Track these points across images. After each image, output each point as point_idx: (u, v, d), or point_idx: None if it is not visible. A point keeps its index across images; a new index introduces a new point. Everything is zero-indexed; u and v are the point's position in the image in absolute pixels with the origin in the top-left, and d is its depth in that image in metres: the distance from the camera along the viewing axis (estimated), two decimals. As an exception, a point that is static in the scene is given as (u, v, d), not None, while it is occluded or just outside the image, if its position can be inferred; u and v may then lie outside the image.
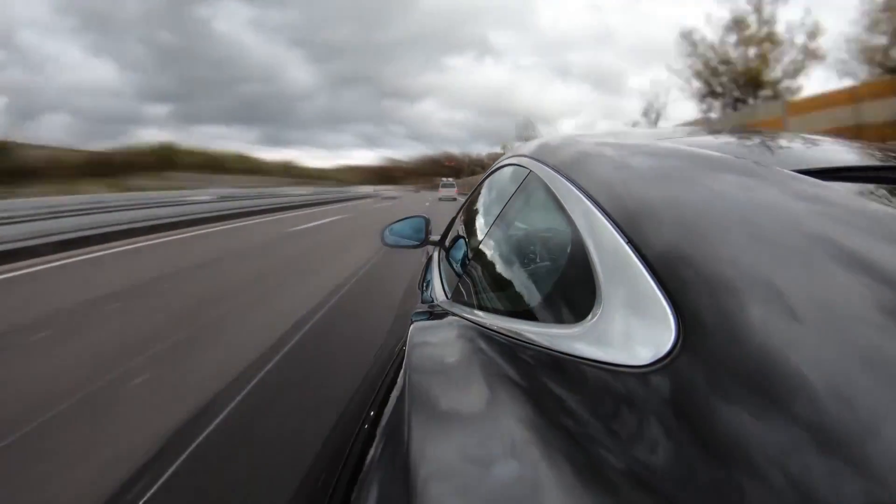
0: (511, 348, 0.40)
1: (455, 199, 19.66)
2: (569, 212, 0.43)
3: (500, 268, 0.69)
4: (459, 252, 0.98)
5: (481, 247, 0.79)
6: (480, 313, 0.56)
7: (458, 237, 1.09)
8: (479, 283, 0.72)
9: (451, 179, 28.31)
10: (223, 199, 15.21)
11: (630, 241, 0.33)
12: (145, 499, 1.16)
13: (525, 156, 0.67)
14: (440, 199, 20.88)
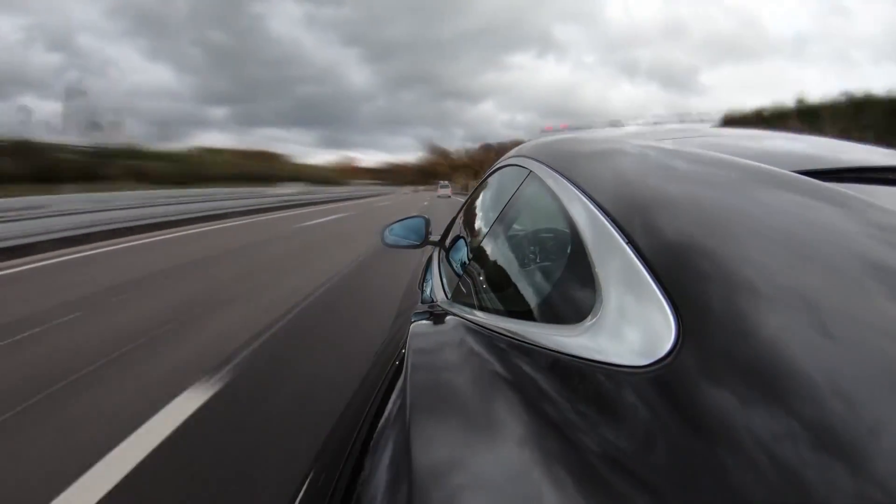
0: (511, 348, 0.40)
1: (450, 197, 26.61)
2: (569, 212, 0.43)
3: (500, 268, 0.69)
4: (459, 252, 0.98)
5: (481, 247, 0.79)
6: (480, 313, 0.56)
7: (458, 237, 1.09)
8: (479, 283, 0.72)
9: (446, 182, 35.45)
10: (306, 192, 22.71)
11: (630, 241, 0.33)
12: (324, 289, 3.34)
13: (525, 156, 0.67)
14: (438, 196, 26.90)
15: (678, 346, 0.25)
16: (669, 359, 0.25)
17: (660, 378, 0.25)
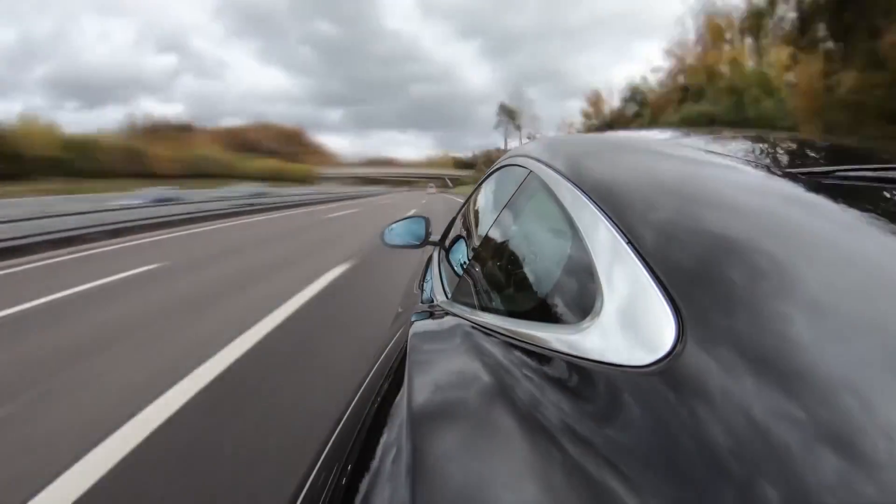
0: (512, 348, 0.40)
1: (434, 193, 33.39)
2: (569, 212, 0.43)
3: (500, 268, 0.69)
4: (459, 252, 0.98)
5: (481, 247, 0.79)
6: (480, 313, 0.56)
7: (458, 237, 1.09)
8: (479, 283, 0.72)
9: (433, 183, 43.25)
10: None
11: (630, 241, 0.33)
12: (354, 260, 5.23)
13: (525, 156, 0.67)
14: (428, 194, 34.86)
15: (679, 345, 0.25)
16: (670, 357, 0.25)
17: (661, 376, 0.25)
